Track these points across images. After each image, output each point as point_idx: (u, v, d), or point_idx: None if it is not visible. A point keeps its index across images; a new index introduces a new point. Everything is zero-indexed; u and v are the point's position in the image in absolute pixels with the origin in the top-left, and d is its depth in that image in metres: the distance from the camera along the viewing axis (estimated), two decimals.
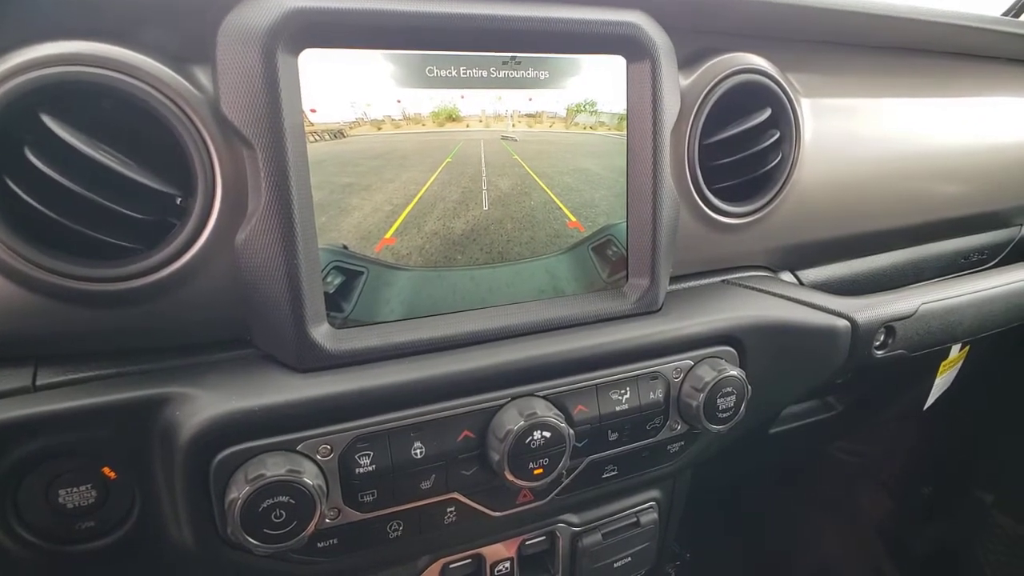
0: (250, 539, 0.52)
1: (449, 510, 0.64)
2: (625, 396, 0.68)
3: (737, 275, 0.86)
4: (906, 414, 1.32)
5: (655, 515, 0.84)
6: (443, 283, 0.63)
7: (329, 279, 0.58)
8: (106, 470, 0.56)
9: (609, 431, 0.68)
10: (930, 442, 1.67)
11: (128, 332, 0.57)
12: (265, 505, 0.52)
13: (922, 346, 0.89)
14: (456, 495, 0.63)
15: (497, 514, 0.67)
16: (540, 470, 0.62)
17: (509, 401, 0.63)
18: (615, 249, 0.70)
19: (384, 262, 0.60)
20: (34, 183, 0.50)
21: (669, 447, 0.74)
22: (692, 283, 0.82)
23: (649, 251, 0.70)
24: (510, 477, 0.60)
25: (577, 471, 0.69)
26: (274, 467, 0.53)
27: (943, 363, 1.20)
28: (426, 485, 0.61)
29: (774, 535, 1.95)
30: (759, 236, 0.85)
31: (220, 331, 0.60)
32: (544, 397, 0.64)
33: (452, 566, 0.74)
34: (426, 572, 0.72)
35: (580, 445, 0.66)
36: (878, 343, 0.85)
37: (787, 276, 0.93)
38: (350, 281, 0.59)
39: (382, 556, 0.64)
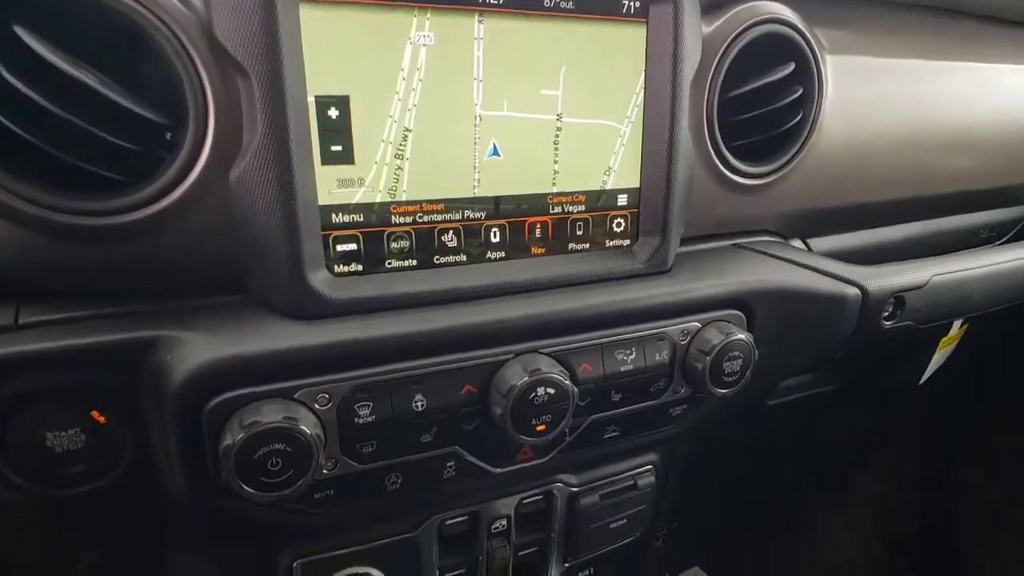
0: (245, 487, 0.51)
1: (449, 464, 0.63)
2: (630, 356, 0.67)
3: (747, 239, 0.83)
4: (902, 389, 1.31)
5: (652, 479, 0.83)
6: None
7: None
8: (95, 414, 0.54)
9: (613, 391, 0.67)
10: (922, 419, 1.67)
11: (116, 271, 0.54)
12: (261, 453, 0.50)
13: (930, 319, 0.88)
14: (456, 449, 0.62)
15: (497, 470, 0.66)
16: (543, 426, 0.60)
17: (513, 357, 0.61)
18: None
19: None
20: (10, 104, 0.46)
21: (672, 410, 0.73)
22: (702, 246, 0.80)
23: (662, 209, 0.68)
24: (512, 433, 0.59)
25: (579, 430, 0.68)
26: (270, 414, 0.51)
27: (943, 339, 1.20)
28: (426, 438, 0.59)
29: (763, 509, 1.97)
30: (773, 199, 0.82)
31: (213, 274, 0.57)
32: (548, 354, 0.62)
33: (448, 522, 0.73)
34: (422, 528, 0.71)
35: (583, 404, 0.65)
36: (887, 313, 0.83)
37: (797, 243, 0.91)
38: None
39: (379, 510, 0.63)
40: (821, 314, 0.79)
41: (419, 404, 0.58)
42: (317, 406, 0.54)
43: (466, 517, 0.74)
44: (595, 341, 0.65)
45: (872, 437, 1.74)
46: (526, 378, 0.58)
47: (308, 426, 0.52)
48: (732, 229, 0.83)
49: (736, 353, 0.69)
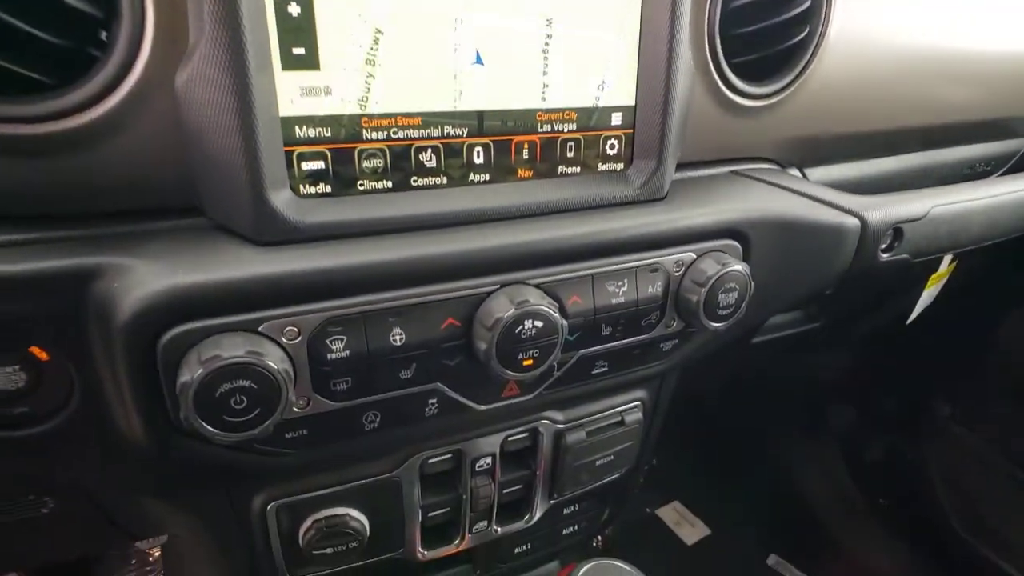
0: (207, 426, 0.46)
1: (431, 402, 0.59)
2: (622, 289, 0.63)
3: (744, 167, 0.79)
4: (888, 329, 1.31)
5: (640, 415, 0.81)
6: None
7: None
8: (35, 350, 0.49)
9: (603, 325, 0.63)
10: (897, 357, 1.69)
11: (49, 191, 0.48)
12: (223, 390, 0.46)
13: (926, 252, 0.85)
14: (438, 386, 0.58)
15: (481, 407, 0.62)
16: (530, 361, 0.57)
17: (498, 288, 0.56)
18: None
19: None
20: None
21: (662, 345, 0.70)
22: (697, 172, 0.75)
23: (658, 129, 0.62)
24: (498, 368, 0.55)
25: (567, 366, 0.64)
26: (231, 348, 0.46)
27: (932, 276, 1.18)
28: (406, 374, 0.55)
29: (740, 445, 2.01)
30: (772, 124, 0.77)
31: (164, 196, 0.51)
32: (536, 286, 0.58)
33: (431, 461, 0.70)
34: (404, 467, 0.68)
35: (572, 339, 0.61)
36: (884, 246, 0.80)
37: (794, 172, 0.87)
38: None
39: (356, 449, 0.60)
40: (818, 245, 0.75)
41: (397, 338, 0.53)
42: (285, 340, 0.50)
43: (449, 455, 0.71)
44: (585, 272, 0.60)
45: (850, 375, 1.76)
46: (513, 310, 0.54)
47: (275, 361, 0.47)
48: (728, 155, 0.78)
49: (732, 285, 0.65)
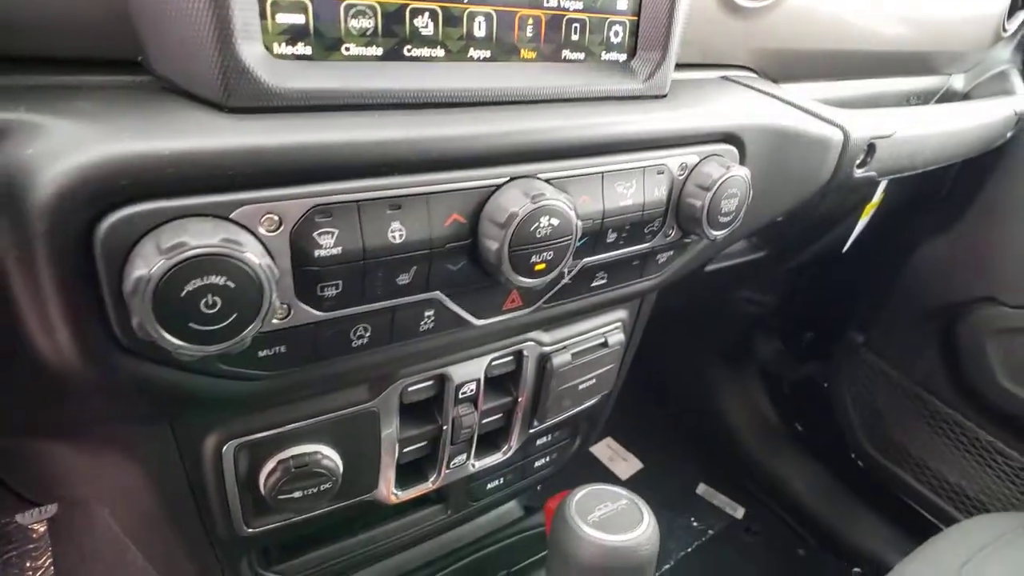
0: (169, 336, 0.36)
1: (427, 314, 0.51)
2: (630, 190, 0.57)
3: (733, 73, 0.75)
4: (825, 256, 1.36)
5: (622, 336, 0.77)
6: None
7: None
8: None
9: (609, 231, 0.58)
10: (817, 293, 1.78)
11: None
12: (191, 288, 0.36)
13: (889, 171, 0.86)
14: (438, 295, 0.50)
15: (480, 322, 0.55)
16: (543, 265, 0.50)
17: (509, 180, 0.49)
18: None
19: None
20: None
21: (659, 257, 0.66)
22: (685, 74, 0.70)
23: (665, 18, 0.57)
24: (508, 273, 0.48)
25: (570, 275, 0.59)
26: (201, 235, 0.36)
27: (867, 206, 1.23)
28: (403, 279, 0.47)
29: (668, 380, 2.07)
30: (759, 30, 0.73)
31: (88, 40, 0.39)
32: (547, 181, 0.51)
33: (412, 388, 0.62)
34: (382, 396, 0.60)
35: (580, 244, 0.55)
36: (859, 161, 0.80)
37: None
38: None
39: (335, 374, 0.51)
40: (805, 156, 0.73)
41: (396, 235, 0.45)
42: (263, 231, 0.40)
43: (431, 382, 0.64)
44: (595, 170, 0.54)
45: (774, 310, 1.84)
46: (529, 204, 0.47)
47: (255, 254, 0.38)
48: (713, 60, 0.74)
49: (734, 191, 0.62)
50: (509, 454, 0.77)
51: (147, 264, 0.35)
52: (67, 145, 0.34)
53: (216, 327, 0.37)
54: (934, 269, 1.47)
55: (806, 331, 1.86)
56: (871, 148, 0.80)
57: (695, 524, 1.85)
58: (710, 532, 1.84)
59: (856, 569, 1.64)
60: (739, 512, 1.89)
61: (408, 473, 0.70)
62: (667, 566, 1.71)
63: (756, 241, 1.25)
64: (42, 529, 1.62)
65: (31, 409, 0.46)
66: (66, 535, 1.43)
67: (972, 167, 1.34)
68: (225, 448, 0.54)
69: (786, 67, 0.85)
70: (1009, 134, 1.16)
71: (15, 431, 0.51)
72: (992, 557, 0.97)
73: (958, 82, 1.24)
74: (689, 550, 1.78)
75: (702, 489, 1.94)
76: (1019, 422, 1.40)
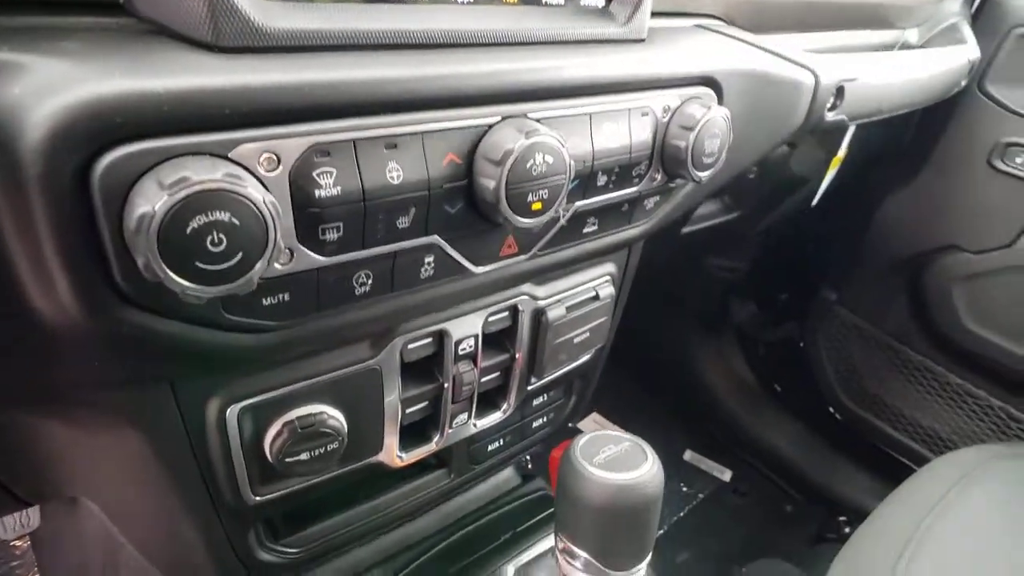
0: (175, 276, 0.36)
1: (427, 260, 0.51)
2: (617, 131, 0.58)
3: (704, 21, 0.76)
4: (795, 215, 1.39)
5: (612, 289, 0.78)
6: None
7: None
8: None
9: (600, 173, 0.58)
10: (789, 255, 1.83)
11: None
12: (196, 225, 0.35)
13: (858, 114, 0.89)
14: (437, 240, 0.50)
15: (478, 269, 0.56)
16: (539, 204, 0.50)
17: (501, 120, 0.49)
18: None
19: None
20: None
21: (646, 202, 0.67)
22: (664, 22, 0.72)
23: None
24: (506, 211, 0.48)
25: (562, 222, 0.59)
26: (203, 171, 0.35)
27: (834, 159, 1.26)
28: (403, 223, 0.47)
29: (649, 350, 2.09)
30: None
31: None
32: (538, 121, 0.51)
33: (412, 346, 0.62)
34: (384, 353, 0.60)
35: (573, 186, 0.56)
36: (830, 104, 0.82)
37: None
38: None
39: (338, 327, 0.51)
40: (778, 99, 0.75)
41: (394, 175, 0.45)
42: (262, 170, 0.40)
43: (430, 339, 0.63)
44: (582, 110, 0.55)
45: (748, 275, 1.88)
46: (524, 140, 0.47)
47: (258, 191, 0.37)
48: (684, 9, 0.75)
49: (716, 131, 0.63)
50: (508, 412, 0.77)
51: (150, 201, 0.34)
52: (57, 84, 0.33)
53: (222, 266, 0.37)
54: (899, 222, 1.53)
55: (780, 293, 1.91)
56: (840, 91, 0.82)
57: (685, 490, 1.89)
58: (700, 496, 1.88)
59: (841, 518, 1.69)
60: (726, 475, 1.93)
61: (412, 435, 0.70)
62: (661, 531, 1.74)
63: (729, 202, 1.28)
64: (25, 545, 1.57)
65: (26, 374, 0.45)
66: (52, 546, 1.38)
67: (929, 120, 1.39)
68: (229, 411, 0.53)
69: (754, 17, 0.86)
70: (963, 83, 1.20)
71: (7, 401, 0.50)
72: (963, 489, 1.01)
73: (912, 36, 1.28)
74: (681, 515, 1.81)
75: (689, 456, 1.98)
76: (985, 362, 1.46)
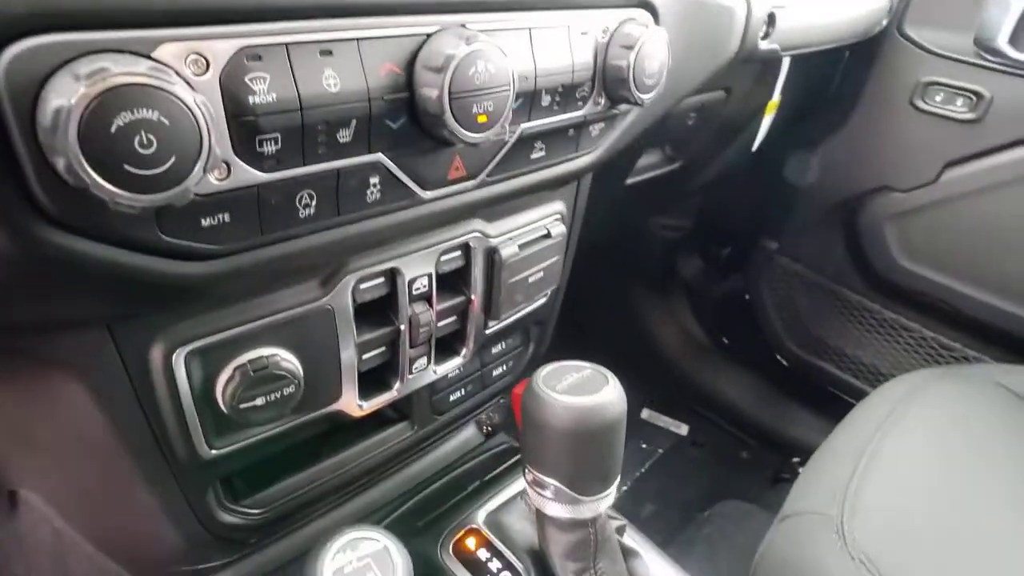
0: (102, 180, 0.33)
1: (373, 182, 0.50)
2: (559, 50, 0.58)
3: None
4: (736, 164, 1.42)
5: (563, 228, 0.78)
6: None
7: None
8: None
9: (544, 92, 0.58)
10: (731, 205, 1.87)
11: None
12: (121, 123, 0.33)
13: (789, 44, 0.92)
14: (381, 158, 0.49)
15: (428, 194, 0.54)
16: (484, 117, 0.50)
17: (439, 30, 0.48)
18: None
19: None
20: None
21: (591, 128, 0.67)
22: None
23: None
24: (451, 124, 0.47)
25: (509, 144, 0.58)
26: (125, 63, 0.33)
27: (769, 104, 1.30)
28: (344, 136, 0.45)
29: (601, 311, 2.12)
30: None
31: None
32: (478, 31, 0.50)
33: (364, 286, 0.60)
34: (335, 291, 0.58)
35: (515, 106, 0.55)
36: (762, 33, 0.84)
37: None
38: None
39: (284, 257, 0.49)
40: (713, 25, 0.77)
41: (331, 83, 0.43)
42: (189, 72, 0.37)
43: (383, 279, 0.62)
44: (522, 24, 0.54)
45: (691, 233, 1.92)
46: (464, 47, 0.46)
47: (187, 91, 0.35)
48: None
49: (655, 49, 0.63)
50: (468, 358, 0.76)
51: (64, 95, 0.32)
52: None
53: (154, 171, 0.35)
54: (833, 167, 1.58)
55: (723, 248, 1.96)
56: (771, 18, 0.84)
57: (644, 447, 1.93)
58: (659, 451, 1.92)
59: (795, 459, 1.76)
60: (683, 429, 1.98)
61: (371, 383, 0.68)
62: (624, 488, 1.77)
63: (670, 152, 1.30)
64: None
65: None
66: None
67: (854, 64, 1.44)
68: (175, 356, 0.50)
69: None
70: (884, 22, 1.25)
71: None
72: (905, 409, 1.06)
73: None
74: (643, 470, 1.85)
75: (646, 414, 2.02)
76: (916, 296, 1.54)
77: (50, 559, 1.08)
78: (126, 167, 0.34)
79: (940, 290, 1.48)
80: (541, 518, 0.67)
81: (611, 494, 0.64)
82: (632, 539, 0.75)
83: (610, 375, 0.65)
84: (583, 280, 1.97)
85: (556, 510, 0.63)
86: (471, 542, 0.75)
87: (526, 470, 0.64)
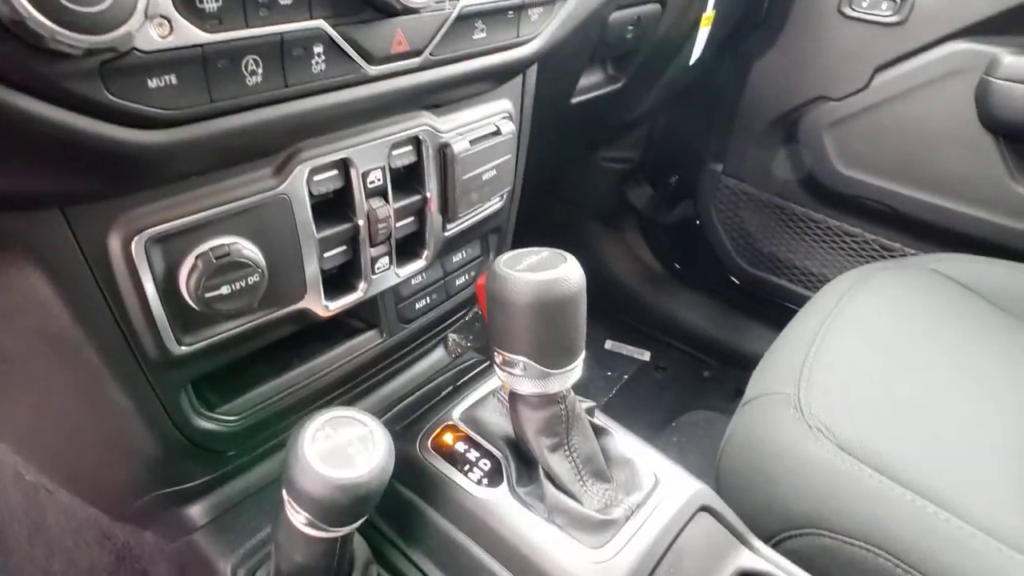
0: (39, 15, 0.33)
1: (316, 51, 0.50)
2: None
3: None
4: (679, 76, 1.45)
5: (512, 126, 0.79)
6: None
7: None
8: None
9: None
10: (675, 131, 1.91)
11: None
12: None
13: None
14: (323, 25, 0.49)
15: (373, 70, 0.55)
16: None
17: None
18: None
19: None
20: None
21: (530, 12, 0.68)
22: None
23: None
24: None
25: (451, 20, 0.59)
26: None
27: (704, 18, 1.32)
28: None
29: (556, 245, 2.15)
30: None
31: None
32: None
33: (318, 178, 0.61)
34: (290, 179, 0.58)
35: None
36: None
37: None
38: None
39: (234, 131, 0.49)
40: None
41: None
42: None
43: (336, 171, 0.62)
44: None
45: (639, 164, 1.96)
46: None
47: None
48: None
49: None
50: (429, 260, 0.78)
51: None
52: None
53: (94, 8, 0.35)
54: (770, 83, 1.63)
55: (671, 175, 2.01)
56: None
57: (610, 375, 1.99)
58: (625, 377, 1.98)
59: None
60: (646, 355, 2.05)
61: (337, 286, 0.69)
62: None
63: (612, 72, 1.32)
64: None
65: None
66: None
67: None
68: (135, 242, 0.50)
69: None
70: None
71: None
72: (851, 298, 1.13)
73: None
74: (611, 395, 1.91)
75: (609, 345, 2.08)
76: (856, 201, 1.62)
77: (26, 523, 1.07)
78: (63, 1, 0.34)
79: (878, 193, 1.56)
80: (514, 400, 0.70)
81: (578, 367, 0.67)
82: (601, 420, 0.79)
83: (568, 255, 0.67)
84: (537, 216, 2.00)
85: (526, 387, 0.66)
86: (448, 437, 0.77)
87: (495, 352, 0.66)
